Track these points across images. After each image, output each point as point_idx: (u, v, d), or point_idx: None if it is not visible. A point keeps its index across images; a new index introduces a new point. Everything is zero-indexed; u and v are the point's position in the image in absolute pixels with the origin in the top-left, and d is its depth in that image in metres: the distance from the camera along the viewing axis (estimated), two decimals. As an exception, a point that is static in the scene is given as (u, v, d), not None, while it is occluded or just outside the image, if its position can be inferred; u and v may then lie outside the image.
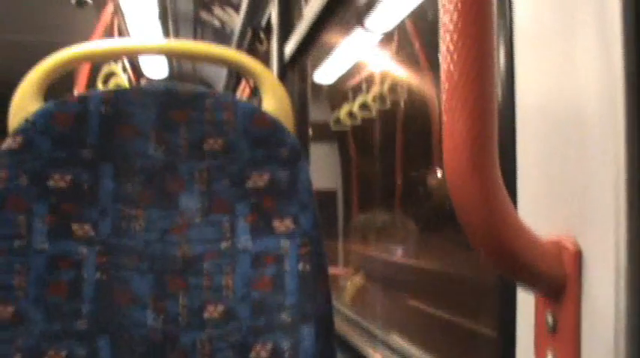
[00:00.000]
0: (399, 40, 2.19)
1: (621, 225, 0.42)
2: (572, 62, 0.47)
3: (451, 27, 0.39)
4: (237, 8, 2.89)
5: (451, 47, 0.39)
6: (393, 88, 2.33)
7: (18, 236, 0.81)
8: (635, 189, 0.41)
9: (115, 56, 1.54)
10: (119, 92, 0.89)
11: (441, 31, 0.40)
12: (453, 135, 0.41)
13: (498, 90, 0.54)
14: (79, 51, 0.94)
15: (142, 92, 0.88)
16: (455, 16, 0.39)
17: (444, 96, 0.41)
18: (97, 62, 2.43)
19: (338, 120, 2.76)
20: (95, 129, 0.86)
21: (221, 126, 0.88)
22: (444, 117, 0.41)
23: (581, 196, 0.46)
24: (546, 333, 0.48)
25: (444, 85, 0.41)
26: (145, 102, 0.88)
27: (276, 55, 1.99)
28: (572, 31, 0.47)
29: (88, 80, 2.82)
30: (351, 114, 2.67)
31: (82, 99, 0.86)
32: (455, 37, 0.39)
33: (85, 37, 2.68)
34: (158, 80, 4.61)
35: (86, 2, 2.73)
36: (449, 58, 0.40)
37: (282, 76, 1.93)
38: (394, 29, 2.06)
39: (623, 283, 0.42)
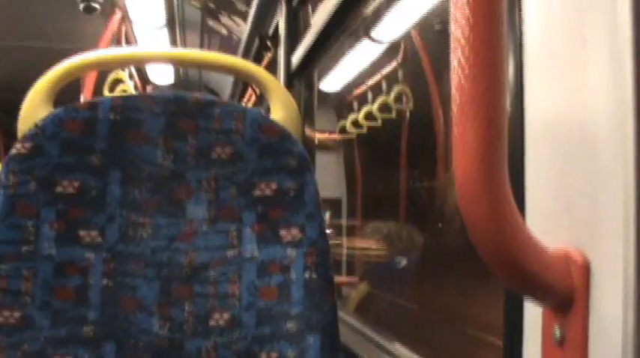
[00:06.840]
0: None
1: (630, 238, 0.42)
2: (582, 76, 0.47)
3: (462, 41, 0.40)
4: (244, 17, 2.91)
5: (462, 61, 0.40)
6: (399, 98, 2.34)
7: (26, 241, 0.82)
8: (644, 203, 0.42)
9: (124, 64, 1.55)
10: (128, 99, 0.89)
11: (452, 45, 0.41)
12: (462, 148, 0.41)
13: (508, 104, 0.55)
14: (89, 58, 0.95)
15: (151, 99, 0.89)
16: (466, 30, 0.39)
17: (454, 110, 0.41)
18: (106, 69, 2.44)
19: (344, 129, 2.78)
20: (104, 135, 0.86)
21: (229, 135, 0.89)
22: (454, 130, 0.41)
23: (589, 209, 0.46)
24: (554, 347, 0.48)
25: (455, 98, 0.41)
26: (154, 110, 0.88)
27: (283, 64, 1.99)
28: (582, 46, 0.47)
29: (95, 86, 2.83)
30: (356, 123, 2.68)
31: (92, 105, 0.87)
32: (466, 50, 0.39)
33: (93, 43, 2.70)
34: (165, 87, 4.62)
35: (94, 8, 2.75)
36: (460, 71, 0.40)
37: (289, 84, 1.93)
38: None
39: (631, 296, 0.42)
